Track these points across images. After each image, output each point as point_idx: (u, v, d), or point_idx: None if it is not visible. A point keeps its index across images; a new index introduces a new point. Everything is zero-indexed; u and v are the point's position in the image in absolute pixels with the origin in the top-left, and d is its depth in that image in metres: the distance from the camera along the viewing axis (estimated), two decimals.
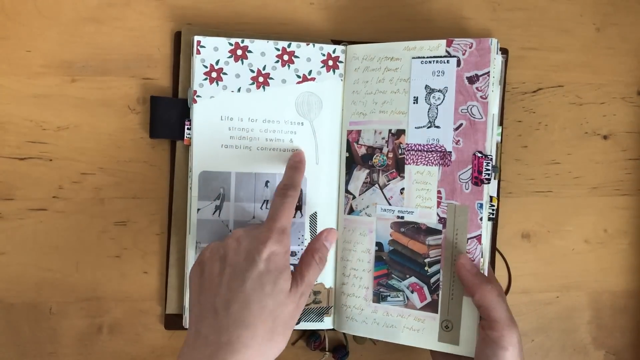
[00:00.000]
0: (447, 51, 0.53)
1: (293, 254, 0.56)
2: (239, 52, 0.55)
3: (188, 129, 0.55)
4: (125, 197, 0.58)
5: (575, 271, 0.63)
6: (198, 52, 0.55)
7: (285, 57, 0.56)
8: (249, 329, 0.44)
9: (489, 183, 0.52)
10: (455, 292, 0.53)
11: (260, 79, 0.55)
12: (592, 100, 0.62)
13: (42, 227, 0.57)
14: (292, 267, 0.49)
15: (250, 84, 0.55)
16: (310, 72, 0.56)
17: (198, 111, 0.55)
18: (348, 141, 0.57)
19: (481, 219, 0.52)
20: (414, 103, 0.54)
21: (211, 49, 0.55)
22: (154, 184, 0.58)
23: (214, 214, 0.55)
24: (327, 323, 0.57)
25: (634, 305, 0.64)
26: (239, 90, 0.55)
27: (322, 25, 0.59)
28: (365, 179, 0.56)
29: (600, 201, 0.63)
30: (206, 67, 0.55)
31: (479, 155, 0.52)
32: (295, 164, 0.54)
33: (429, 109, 0.54)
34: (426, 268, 0.54)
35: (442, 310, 0.53)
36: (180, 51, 0.57)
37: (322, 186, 0.57)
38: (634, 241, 0.63)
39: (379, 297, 0.55)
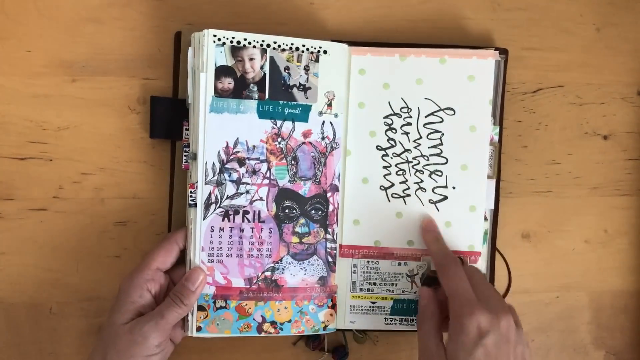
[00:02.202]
0: None
1: None
2: None
3: (186, 129, 0.55)
4: (125, 197, 0.58)
5: (575, 271, 0.63)
6: None
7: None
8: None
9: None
10: None
11: None
12: (592, 100, 0.62)
13: (42, 227, 0.57)
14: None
15: None
16: None
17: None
18: None
19: None
20: None
21: None
22: (154, 184, 0.58)
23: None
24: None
25: (634, 305, 0.64)
26: None
27: (322, 25, 0.59)
28: None
29: (600, 201, 0.63)
30: None
31: None
32: None
33: None
34: None
35: None
36: (180, 51, 0.57)
37: None
38: (634, 241, 0.63)
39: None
